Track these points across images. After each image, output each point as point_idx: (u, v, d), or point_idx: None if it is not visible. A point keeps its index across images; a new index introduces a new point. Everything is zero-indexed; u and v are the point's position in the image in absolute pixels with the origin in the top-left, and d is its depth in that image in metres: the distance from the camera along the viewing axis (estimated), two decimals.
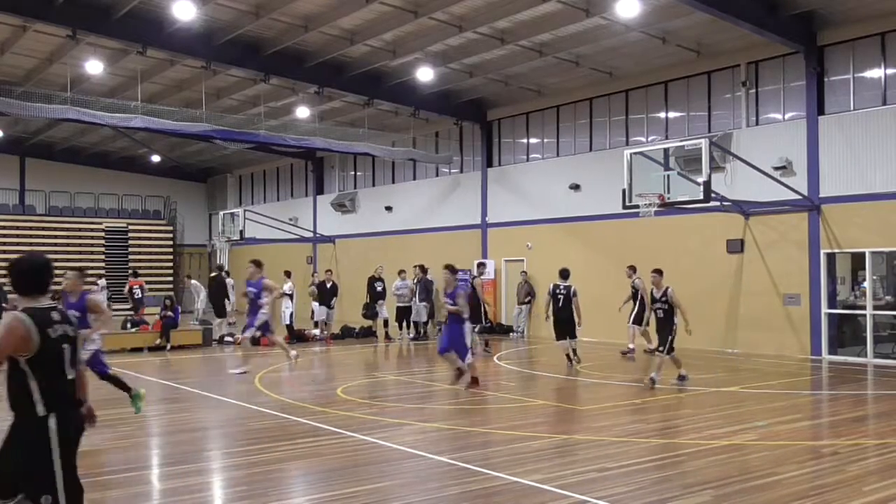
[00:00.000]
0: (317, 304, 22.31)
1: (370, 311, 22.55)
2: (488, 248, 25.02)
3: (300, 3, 18.40)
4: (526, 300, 22.86)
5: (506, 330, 23.40)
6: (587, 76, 21.61)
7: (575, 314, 15.70)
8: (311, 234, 32.20)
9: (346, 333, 22.53)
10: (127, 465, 8.29)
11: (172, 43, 20.32)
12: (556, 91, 23.02)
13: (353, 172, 31.93)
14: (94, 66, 21.74)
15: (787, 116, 18.48)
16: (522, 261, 23.65)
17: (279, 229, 31.07)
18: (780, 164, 17.80)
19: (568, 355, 15.96)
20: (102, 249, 36.95)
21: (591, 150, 22.43)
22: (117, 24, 19.20)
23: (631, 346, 17.95)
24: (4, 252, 33.25)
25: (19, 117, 25.05)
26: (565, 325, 15.84)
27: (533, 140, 24.39)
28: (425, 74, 21.38)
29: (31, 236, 35.00)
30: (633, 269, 18.21)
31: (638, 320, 17.61)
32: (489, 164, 25.34)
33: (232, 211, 31.09)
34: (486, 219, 25.15)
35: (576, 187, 22.33)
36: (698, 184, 15.51)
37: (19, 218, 35.69)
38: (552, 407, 11.44)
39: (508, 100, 24.27)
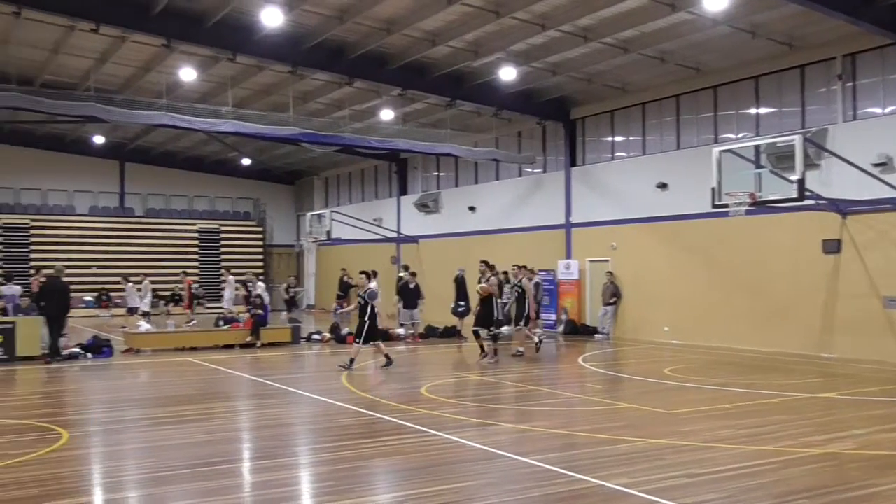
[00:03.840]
0: (401, 304, 22.51)
1: (458, 310, 22.61)
2: (572, 248, 24.77)
3: (383, 7, 18.61)
4: (611, 301, 22.55)
5: (590, 331, 23.13)
6: (673, 72, 21.16)
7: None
8: (394, 235, 32.52)
9: (430, 333, 22.66)
10: (217, 458, 8.52)
11: (261, 49, 20.84)
12: (642, 88, 22.62)
13: (436, 173, 32.10)
14: (187, 74, 22.49)
15: (887, 110, 17.68)
16: (607, 261, 23.33)
17: (364, 230, 31.49)
18: (879, 161, 17.03)
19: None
20: (196, 250, 38.20)
21: (678, 147, 21.97)
22: (209, 32, 19.83)
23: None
24: (106, 251, 34.77)
25: (119, 124, 26.11)
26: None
27: (618, 138, 24.04)
28: (508, 74, 21.32)
29: (129, 237, 36.45)
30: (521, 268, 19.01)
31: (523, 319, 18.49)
32: (573, 163, 25.10)
33: (318, 212, 31.67)
34: (570, 218, 24.91)
35: (662, 186, 21.90)
36: (792, 182, 15.00)
37: (119, 220, 37.20)
38: (638, 410, 11.24)
39: (592, 98, 23.98)
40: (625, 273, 22.67)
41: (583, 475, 7.55)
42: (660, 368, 15.60)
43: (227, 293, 27.65)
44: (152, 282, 28.22)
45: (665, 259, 21.70)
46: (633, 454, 8.53)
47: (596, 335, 22.73)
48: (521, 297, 18.53)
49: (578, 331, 23.34)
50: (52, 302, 17.58)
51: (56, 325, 17.58)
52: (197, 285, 32.03)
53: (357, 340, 15.86)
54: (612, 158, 24.12)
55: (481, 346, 17.09)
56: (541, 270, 23.65)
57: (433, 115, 26.65)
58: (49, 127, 31.93)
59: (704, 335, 20.25)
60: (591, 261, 24.05)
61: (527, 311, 18.44)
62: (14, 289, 21.43)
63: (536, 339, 19.16)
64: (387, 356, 15.95)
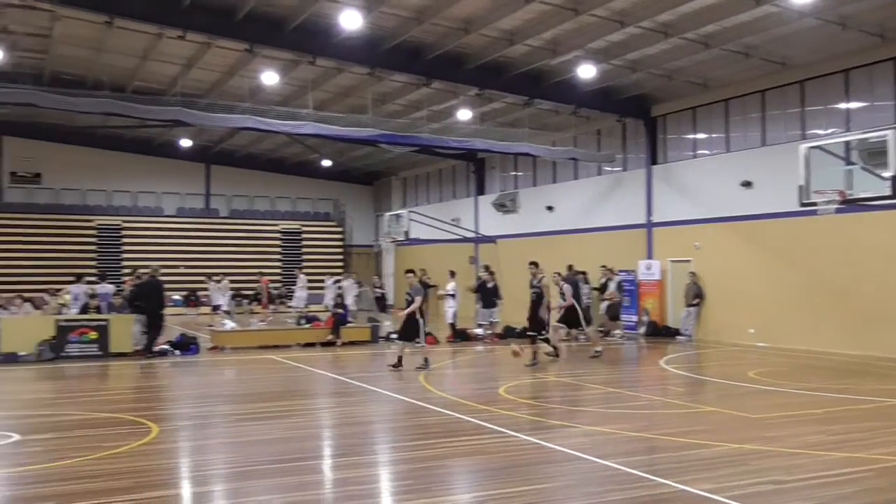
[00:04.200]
0: (480, 304, 22.52)
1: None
2: (653, 248, 24.35)
3: (460, 7, 18.65)
4: (694, 302, 22.07)
5: (672, 333, 22.69)
6: (758, 67, 20.57)
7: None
8: (472, 235, 32.56)
9: (508, 333, 22.58)
10: (300, 454, 8.68)
11: (340, 52, 21.15)
12: (725, 84, 22.07)
13: (513, 172, 32.00)
14: (269, 77, 22.99)
15: None
16: (690, 261, 22.85)
17: (442, 230, 31.62)
18: None
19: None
20: (278, 249, 39.04)
21: (763, 144, 21.35)
22: (290, 36, 20.23)
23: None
24: (193, 251, 35.80)
25: (204, 127, 26.88)
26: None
27: (700, 135, 23.51)
28: (586, 72, 21.10)
29: (214, 237, 37.48)
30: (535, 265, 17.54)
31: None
32: (654, 161, 24.67)
33: (397, 212, 31.94)
34: (651, 218, 24.49)
35: (747, 184, 21.32)
36: (885, 179, 14.39)
37: (205, 220, 38.30)
38: (722, 414, 10.97)
39: (673, 94, 23.52)
40: (708, 273, 22.16)
41: (665, 479, 7.41)
42: (744, 371, 15.19)
43: (300, 292, 28.15)
44: (236, 281, 28.95)
45: (750, 259, 21.12)
46: (716, 459, 8.33)
47: (678, 337, 22.28)
48: (539, 299, 17.00)
49: (660, 332, 22.92)
50: (150, 300, 18.31)
51: (153, 323, 18.27)
52: (279, 285, 32.75)
53: (417, 341, 15.86)
54: (695, 156, 23.61)
55: (555, 348, 16.78)
56: (621, 271, 23.37)
57: (511, 115, 26.58)
58: (139, 131, 33.07)
59: (791, 338, 19.63)
60: (673, 261, 23.59)
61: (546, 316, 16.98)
62: (107, 287, 22.31)
63: (551, 347, 17.37)
64: (425, 359, 15.86)
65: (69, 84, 25.00)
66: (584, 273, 22.66)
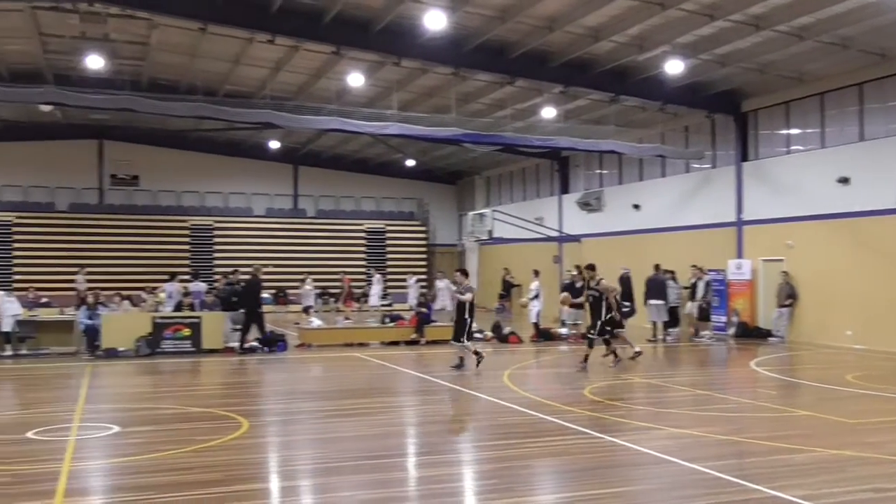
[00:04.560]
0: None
1: (623, 310, 22.12)
2: (744, 247, 23.67)
3: (545, 5, 18.52)
4: (787, 303, 21.36)
5: (764, 334, 22.00)
6: (855, 59, 19.74)
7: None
8: (556, 234, 32.31)
9: None
10: (385, 451, 8.78)
11: (424, 52, 21.30)
12: (819, 77, 21.26)
13: (598, 171, 31.60)
14: (355, 79, 23.32)
15: None
16: (782, 260, 22.12)
17: (525, 229, 31.45)
18: None
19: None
20: (364, 249, 39.58)
21: (861, 139, 20.48)
22: (375, 38, 20.50)
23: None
24: (281, 251, 36.59)
25: (292, 129, 27.47)
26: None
27: (794, 131, 22.73)
28: (674, 67, 20.66)
29: (302, 237, 38.26)
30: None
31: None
32: (744, 157, 23.97)
33: (480, 211, 31.93)
34: (742, 216, 23.81)
35: (844, 181, 20.49)
36: None
37: (293, 220, 39.14)
38: (817, 418, 10.59)
39: (765, 89, 22.79)
40: (802, 273, 21.40)
41: (756, 485, 7.19)
42: (841, 375, 14.62)
43: (375, 290, 28.36)
44: (322, 280, 29.47)
45: (847, 258, 20.29)
46: (811, 465, 8.04)
47: (770, 338, 21.60)
48: (597, 301, 16.37)
49: (751, 333, 22.26)
50: (250, 298, 18.94)
51: (254, 320, 18.82)
52: (363, 283, 33.20)
53: (461, 340, 15.76)
54: (788, 152, 22.84)
55: (613, 352, 16.19)
56: (710, 270, 22.79)
57: (596, 112, 26.26)
58: (230, 134, 34.06)
59: (892, 340, 18.78)
60: (765, 260, 22.87)
61: (603, 316, 16.21)
62: (200, 286, 22.97)
63: (613, 349, 16.55)
64: (477, 353, 15.71)
65: (165, 89, 26.00)
66: (671, 272, 22.21)
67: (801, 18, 17.68)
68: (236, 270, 22.93)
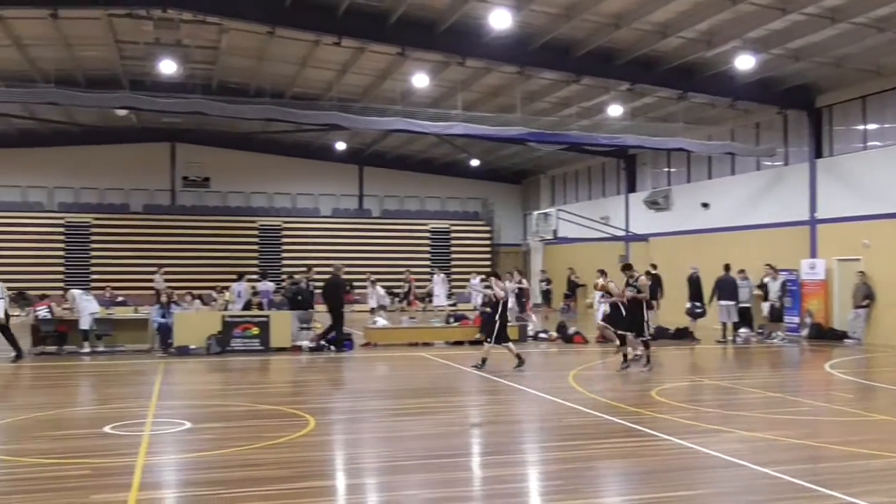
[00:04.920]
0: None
1: (694, 311, 21.75)
2: (818, 247, 22.99)
3: (611, 2, 18.33)
4: (863, 303, 20.68)
5: (839, 336, 21.34)
6: None
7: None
8: (623, 233, 31.92)
9: (660, 334, 21.93)
10: (449, 450, 8.80)
11: (489, 52, 21.28)
12: None
13: (666, 169, 31.10)
14: (419, 80, 23.43)
15: None
16: (858, 260, 21.41)
17: (591, 228, 31.15)
18: None
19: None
20: (428, 249, 39.74)
21: None
22: (440, 38, 20.57)
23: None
24: (347, 251, 36.91)
25: (358, 130, 27.76)
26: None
27: (871, 126, 21.98)
28: (745, 63, 20.19)
29: (368, 237, 38.61)
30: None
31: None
32: (818, 154, 23.29)
33: (545, 211, 31.74)
34: (815, 214, 23.13)
35: None
36: None
37: (358, 221, 39.53)
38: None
39: (840, 83, 22.10)
40: (880, 273, 20.67)
41: (831, 490, 6.98)
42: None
43: (439, 290, 28.36)
44: (386, 280, 29.69)
45: None
46: (889, 471, 7.77)
47: (845, 340, 20.95)
48: (635, 300, 15.70)
49: (825, 335, 21.62)
50: (332, 297, 19.38)
51: (335, 318, 19.20)
52: (428, 283, 33.28)
53: (489, 340, 15.67)
54: (865, 148, 22.10)
55: (624, 356, 15.61)
56: (782, 270, 22.20)
57: (663, 109, 25.86)
58: (297, 135, 34.59)
59: None
60: (840, 260, 22.18)
61: (646, 317, 15.65)
62: (268, 285, 23.38)
63: (639, 352, 16.07)
64: (483, 360, 15.62)
65: (234, 92, 26.55)
66: (742, 272, 21.72)
67: (880, 10, 17.11)
68: (310, 269, 23.29)
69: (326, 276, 21.08)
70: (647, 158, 31.98)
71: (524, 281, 24.84)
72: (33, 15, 20.81)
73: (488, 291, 15.81)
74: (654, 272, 22.15)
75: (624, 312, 16.06)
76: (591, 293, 22.78)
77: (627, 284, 15.88)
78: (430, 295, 32.75)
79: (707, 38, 19.98)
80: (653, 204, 30.59)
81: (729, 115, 25.24)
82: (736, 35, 19.29)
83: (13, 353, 16.83)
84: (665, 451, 8.71)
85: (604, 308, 21.80)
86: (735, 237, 25.68)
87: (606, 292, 17.22)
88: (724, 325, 21.62)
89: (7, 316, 16.97)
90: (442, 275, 29.38)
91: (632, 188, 32.95)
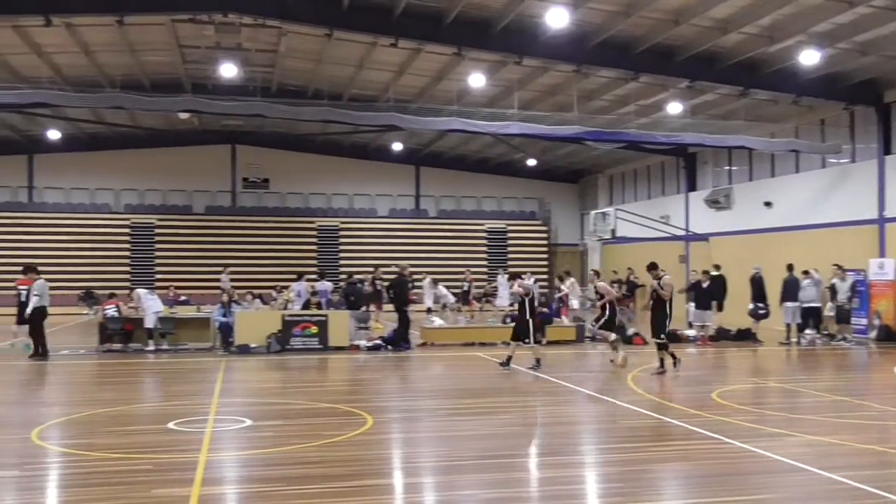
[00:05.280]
0: (692, 304, 21.68)
1: (758, 312, 21.29)
2: (886, 246, 22.30)
3: None
4: None
5: None
6: None
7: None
8: (682, 233, 31.44)
9: (721, 335, 21.56)
10: (506, 451, 8.77)
11: (546, 50, 21.17)
12: None
13: (727, 167, 30.52)
14: (476, 80, 23.42)
15: None
16: None
17: (650, 227, 30.77)
18: None
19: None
20: (484, 249, 39.70)
21: None
22: (496, 38, 20.53)
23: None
24: (404, 251, 37.08)
25: (414, 131, 27.90)
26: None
27: None
28: (809, 58, 19.70)
29: (424, 237, 38.74)
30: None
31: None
32: (887, 151, 22.58)
33: (603, 210, 31.45)
34: (884, 213, 22.44)
35: None
36: None
37: (415, 221, 39.70)
38: None
39: None
40: None
41: None
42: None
43: (503, 291, 28.24)
44: (442, 280, 29.71)
45: None
46: None
47: None
48: (659, 300, 15.29)
49: (894, 337, 20.97)
50: (398, 297, 19.63)
51: (402, 317, 19.42)
52: (484, 283, 33.23)
53: (526, 340, 15.50)
54: None
55: (672, 355, 15.11)
56: (848, 270, 21.59)
57: (724, 107, 25.39)
58: (355, 137, 34.93)
59: None
60: None
61: (667, 318, 15.06)
62: (326, 285, 23.63)
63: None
64: (537, 360, 15.49)
65: (293, 95, 26.92)
66: (806, 272, 21.19)
67: None
68: (376, 269, 23.52)
69: (392, 277, 21.26)
70: (708, 157, 31.44)
71: (568, 284, 24.59)
72: (100, 22, 21.42)
73: (519, 290, 15.75)
74: (717, 273, 21.76)
75: (607, 314, 16.40)
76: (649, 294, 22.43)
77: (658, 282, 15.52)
78: (487, 295, 32.69)
79: (769, 34, 19.55)
80: (713, 203, 30.07)
81: (793, 111, 24.66)
82: (800, 30, 18.83)
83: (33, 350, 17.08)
84: (727, 455, 8.55)
85: None
86: (799, 236, 25.09)
87: (599, 293, 17.13)
88: (789, 326, 21.13)
89: (44, 313, 17.21)
90: (506, 275, 29.19)
91: (692, 187, 32.43)
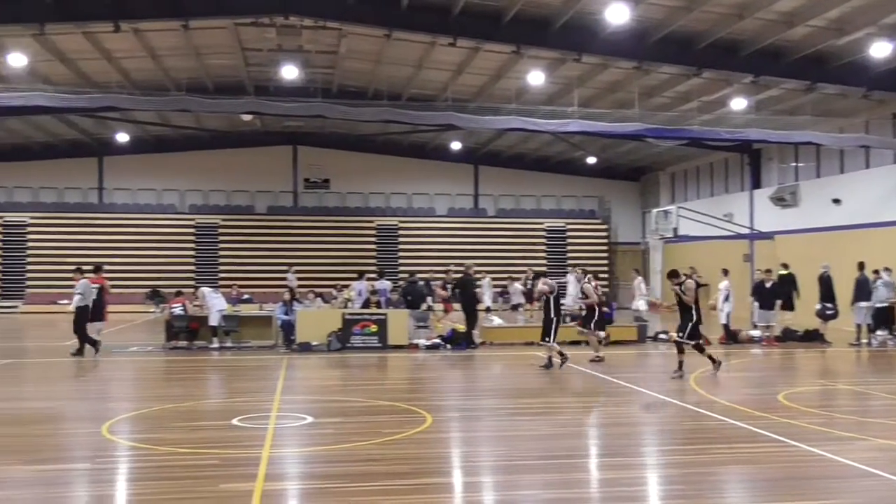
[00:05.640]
0: (756, 304, 21.22)
1: (826, 312, 20.74)
2: None
3: None
4: None
5: None
6: None
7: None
8: (747, 231, 30.80)
9: (788, 336, 21.05)
10: (567, 451, 8.71)
11: (606, 47, 20.98)
12: None
13: (794, 164, 29.80)
14: (535, 78, 23.32)
15: None
16: None
17: (713, 226, 30.21)
18: None
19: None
20: (544, 248, 39.49)
21: None
22: (555, 35, 20.43)
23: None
24: (462, 250, 37.12)
25: (473, 130, 27.92)
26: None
27: None
28: (880, 50, 19.12)
29: (482, 236, 38.73)
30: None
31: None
32: None
33: (664, 208, 31.00)
34: None
35: None
36: None
37: (473, 220, 39.72)
38: None
39: None
40: None
41: None
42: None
43: (571, 289, 27.87)
44: (501, 279, 29.68)
45: None
46: None
47: None
48: (682, 307, 14.67)
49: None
50: (464, 295, 19.75)
51: (470, 317, 19.49)
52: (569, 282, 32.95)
53: (546, 339, 15.35)
54: None
55: (711, 357, 14.55)
56: None
57: (790, 102, 24.80)
58: (413, 136, 35.11)
59: None
60: None
61: (695, 319, 14.45)
62: (385, 284, 23.77)
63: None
64: (561, 353, 15.30)
65: (353, 95, 27.20)
66: (876, 272, 20.55)
67: None
68: (449, 271, 23.61)
69: (458, 276, 21.35)
70: (773, 153, 30.75)
71: (637, 283, 24.21)
72: (166, 27, 21.96)
73: (544, 288, 15.61)
74: (785, 272, 21.26)
75: (595, 315, 16.34)
76: (714, 294, 22.04)
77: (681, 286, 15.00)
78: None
79: (838, 26, 19.04)
80: (779, 200, 29.38)
81: (862, 105, 23.96)
82: (870, 21, 18.30)
83: (76, 348, 17.27)
84: (793, 459, 8.34)
85: (728, 309, 21.13)
86: (870, 234, 24.35)
87: (584, 294, 17.02)
88: (859, 327, 20.52)
89: (87, 311, 17.60)
90: (575, 273, 28.88)
91: (757, 184, 31.74)
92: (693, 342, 14.44)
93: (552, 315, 15.42)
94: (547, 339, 15.44)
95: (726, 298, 21.07)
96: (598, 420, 11.14)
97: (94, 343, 17.45)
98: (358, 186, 39.31)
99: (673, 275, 15.16)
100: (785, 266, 21.64)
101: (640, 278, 24.72)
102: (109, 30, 20.79)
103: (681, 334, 14.48)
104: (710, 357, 14.54)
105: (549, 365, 15.46)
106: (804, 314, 21.48)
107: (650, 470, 8.28)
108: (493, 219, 40.03)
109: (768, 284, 20.83)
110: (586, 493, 7.31)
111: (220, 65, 26.77)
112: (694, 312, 14.45)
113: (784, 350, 19.44)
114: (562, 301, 16.27)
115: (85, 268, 18.45)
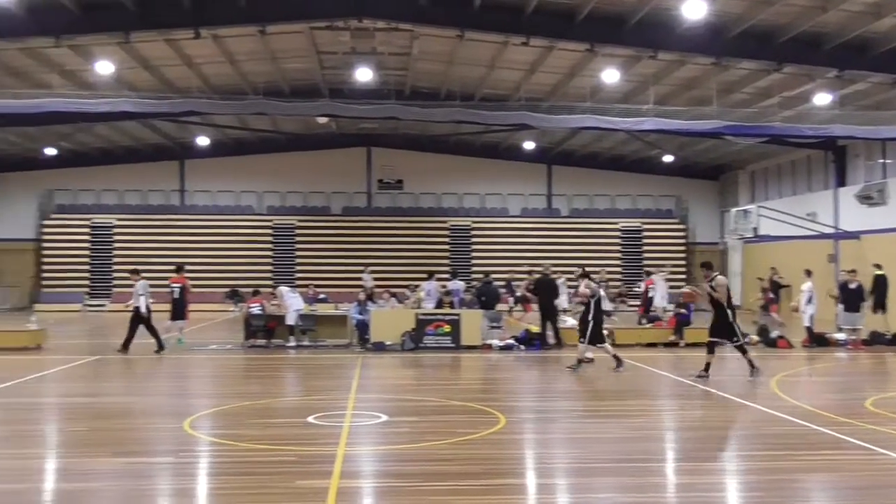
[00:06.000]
0: (842, 307, 20.50)
1: None
2: None
3: None
4: None
5: None
6: None
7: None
8: (831, 230, 29.80)
9: (875, 339, 20.26)
10: (642, 455, 8.58)
11: (682, 43, 20.59)
12: None
13: (881, 160, 28.70)
14: (609, 75, 23.04)
15: None
16: None
17: (795, 225, 29.33)
18: None
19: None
20: (619, 248, 38.97)
21: None
22: (630, 32, 20.15)
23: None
24: (536, 251, 36.90)
25: (546, 129, 27.77)
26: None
27: None
28: None
29: (556, 236, 38.43)
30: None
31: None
32: None
33: (744, 208, 30.25)
34: None
35: None
36: None
37: (547, 220, 39.44)
38: None
39: None
40: None
41: None
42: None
43: (660, 290, 27.29)
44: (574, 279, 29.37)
45: None
46: None
47: None
48: (714, 305, 14.21)
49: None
50: (544, 296, 19.76)
51: (550, 317, 19.56)
52: (619, 283, 32.61)
53: (582, 340, 15.06)
54: None
55: (749, 362, 14.08)
56: None
57: (877, 96, 23.89)
58: (486, 136, 35.09)
59: None
60: None
61: (731, 318, 13.96)
62: (458, 284, 23.85)
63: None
64: (616, 357, 15.01)
65: (425, 97, 27.34)
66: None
67: None
68: (530, 273, 23.60)
69: (536, 277, 21.36)
70: (860, 150, 29.67)
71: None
72: (244, 33, 22.49)
73: (585, 291, 15.33)
74: (879, 272, 20.51)
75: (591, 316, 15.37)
76: (796, 295, 21.39)
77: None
78: (622, 295, 32.00)
79: None
80: (866, 199, 28.32)
81: None
82: None
83: (157, 346, 17.81)
84: (879, 467, 8.04)
85: (811, 311, 20.47)
86: None
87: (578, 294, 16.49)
88: None
89: (149, 311, 17.88)
90: (662, 274, 28.39)
91: (841, 182, 30.67)
92: (739, 342, 14.12)
93: (589, 317, 15.19)
94: (582, 340, 15.25)
95: (809, 300, 20.41)
96: (674, 423, 10.95)
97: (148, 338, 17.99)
98: (431, 187, 39.50)
99: (706, 266, 14.76)
100: (878, 266, 20.85)
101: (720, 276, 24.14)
102: (190, 36, 21.40)
103: (735, 339, 14.09)
104: (749, 361, 14.15)
105: (577, 366, 15.24)
106: (893, 317, 20.67)
107: (728, 476, 8.09)
108: (567, 219, 39.69)
109: (852, 286, 20.09)
110: (662, 497, 7.19)
111: (295, 68, 27.26)
112: (728, 310, 14.02)
113: (872, 354, 18.73)
114: (602, 305, 15.90)
115: (166, 268, 18.99)
